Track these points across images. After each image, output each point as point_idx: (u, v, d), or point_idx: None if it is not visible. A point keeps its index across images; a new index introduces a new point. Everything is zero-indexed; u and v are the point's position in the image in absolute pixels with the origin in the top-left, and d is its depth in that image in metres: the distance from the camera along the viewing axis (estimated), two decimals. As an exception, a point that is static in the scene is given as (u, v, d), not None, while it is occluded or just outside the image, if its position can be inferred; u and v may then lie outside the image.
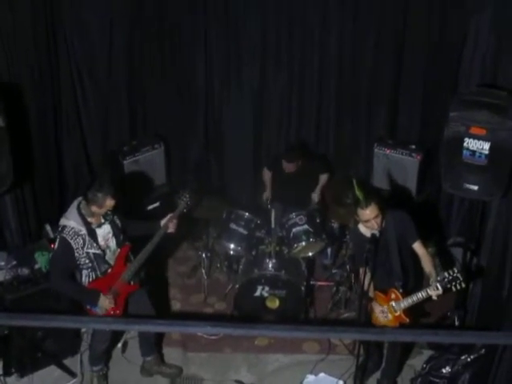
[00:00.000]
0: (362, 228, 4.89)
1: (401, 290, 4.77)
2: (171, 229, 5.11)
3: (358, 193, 4.64)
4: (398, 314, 4.77)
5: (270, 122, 7.03)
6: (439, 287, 4.51)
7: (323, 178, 6.50)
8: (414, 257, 4.84)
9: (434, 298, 4.59)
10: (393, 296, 4.79)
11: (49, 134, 6.30)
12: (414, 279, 4.91)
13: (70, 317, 2.82)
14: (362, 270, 4.84)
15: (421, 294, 4.63)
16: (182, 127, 7.17)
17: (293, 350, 5.66)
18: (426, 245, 4.93)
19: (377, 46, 6.51)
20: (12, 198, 5.77)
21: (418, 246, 4.81)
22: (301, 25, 6.56)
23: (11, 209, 5.81)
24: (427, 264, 4.76)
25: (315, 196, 6.45)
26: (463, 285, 4.48)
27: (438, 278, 4.52)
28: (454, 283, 4.47)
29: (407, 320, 4.76)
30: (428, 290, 4.58)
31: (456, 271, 4.47)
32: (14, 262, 5.41)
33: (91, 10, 6.39)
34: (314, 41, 6.59)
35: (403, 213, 4.86)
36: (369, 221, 4.68)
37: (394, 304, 4.77)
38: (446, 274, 4.49)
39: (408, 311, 4.76)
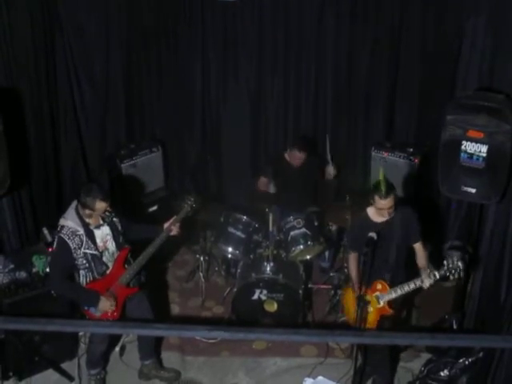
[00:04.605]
0: (370, 212, 4.91)
1: (388, 283, 4.81)
2: (174, 232, 5.10)
3: (382, 181, 4.66)
4: (381, 305, 4.80)
5: (267, 127, 7.05)
6: (436, 275, 4.57)
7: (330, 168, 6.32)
8: (409, 254, 4.89)
9: (426, 286, 4.64)
10: (379, 287, 4.81)
11: (46, 137, 6.29)
12: (403, 275, 4.93)
13: (68, 320, 2.82)
14: (352, 255, 4.92)
15: (413, 284, 4.68)
16: (180, 130, 7.18)
17: (291, 354, 5.65)
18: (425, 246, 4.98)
19: (373, 50, 6.53)
20: (9, 202, 5.76)
21: (418, 246, 4.88)
22: (297, 28, 6.57)
23: (8, 212, 5.79)
24: (423, 261, 4.82)
25: (331, 169, 6.28)
26: (462, 274, 4.52)
27: (436, 271, 4.57)
28: (453, 271, 4.50)
29: (390, 311, 4.78)
30: (422, 279, 4.63)
31: (457, 260, 4.51)
32: (12, 266, 5.39)
33: (88, 15, 6.41)
34: (310, 44, 6.61)
35: (413, 211, 4.91)
36: (382, 209, 4.73)
37: (378, 295, 4.79)
38: (444, 262, 4.55)
39: (393, 303, 4.78)
